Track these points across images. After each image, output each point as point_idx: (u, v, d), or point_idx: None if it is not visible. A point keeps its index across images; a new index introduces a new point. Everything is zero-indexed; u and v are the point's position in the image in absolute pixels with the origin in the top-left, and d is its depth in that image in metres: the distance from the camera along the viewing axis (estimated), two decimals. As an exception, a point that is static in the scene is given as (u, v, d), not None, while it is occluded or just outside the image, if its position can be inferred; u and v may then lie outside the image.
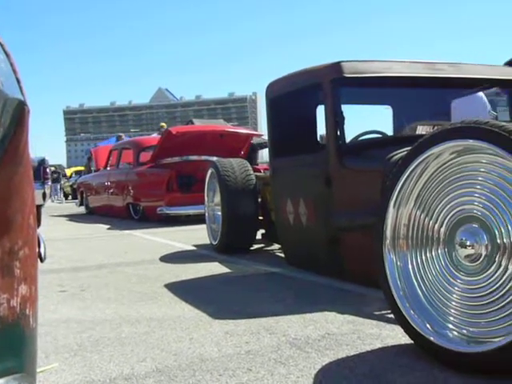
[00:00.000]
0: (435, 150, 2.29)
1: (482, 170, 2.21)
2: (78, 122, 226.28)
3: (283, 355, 2.44)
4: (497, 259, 2.13)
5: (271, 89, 4.71)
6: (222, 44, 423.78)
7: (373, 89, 4.42)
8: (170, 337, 2.79)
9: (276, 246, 5.83)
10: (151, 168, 10.32)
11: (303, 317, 3.05)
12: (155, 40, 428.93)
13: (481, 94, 4.43)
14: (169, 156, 10.18)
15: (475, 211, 2.23)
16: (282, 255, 5.06)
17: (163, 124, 13.20)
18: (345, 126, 3.84)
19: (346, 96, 3.99)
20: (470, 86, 4.22)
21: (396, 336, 2.61)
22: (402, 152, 3.10)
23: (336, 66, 3.84)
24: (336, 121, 3.81)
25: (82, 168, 26.84)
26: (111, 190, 11.61)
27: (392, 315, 2.52)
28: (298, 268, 4.49)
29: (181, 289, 3.98)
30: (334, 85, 3.82)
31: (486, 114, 3.73)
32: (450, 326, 2.28)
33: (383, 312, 3.01)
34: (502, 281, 2.11)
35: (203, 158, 10.07)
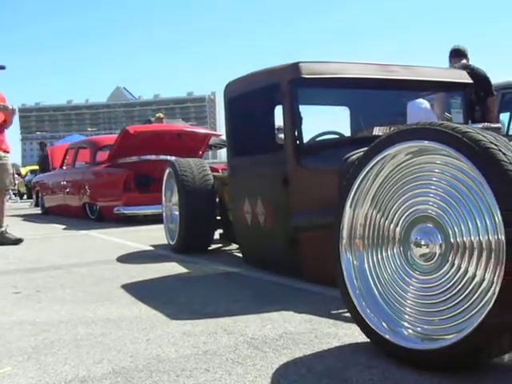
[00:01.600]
0: (391, 150, 2.32)
1: (437, 170, 2.25)
2: (34, 121, 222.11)
3: (241, 355, 2.44)
4: (450, 258, 2.17)
5: (230, 89, 4.71)
6: (180, 43, 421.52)
7: (330, 90, 4.45)
8: (127, 338, 2.76)
9: (234, 246, 5.83)
10: (108, 167, 10.21)
11: (261, 316, 3.05)
12: (113, 38, 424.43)
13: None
14: (126, 155, 10.10)
15: (430, 211, 2.26)
16: (240, 255, 5.07)
17: (160, 114, 12.55)
18: (302, 127, 3.87)
19: (303, 96, 4.02)
20: (423, 88, 4.29)
21: (353, 334, 2.64)
22: (358, 152, 3.14)
23: (294, 67, 3.86)
24: (294, 121, 3.83)
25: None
26: (67, 190, 11.43)
27: (349, 314, 2.55)
28: (255, 268, 4.50)
29: (138, 289, 3.94)
30: (292, 85, 3.84)
31: (431, 116, 3.80)
32: (405, 323, 2.31)
33: (340, 311, 3.04)
34: (454, 279, 2.15)
35: (161, 157, 10.02)
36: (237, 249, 5.59)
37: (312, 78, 3.84)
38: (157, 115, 12.45)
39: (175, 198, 5.73)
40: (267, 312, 3.13)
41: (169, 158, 9.38)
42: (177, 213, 5.62)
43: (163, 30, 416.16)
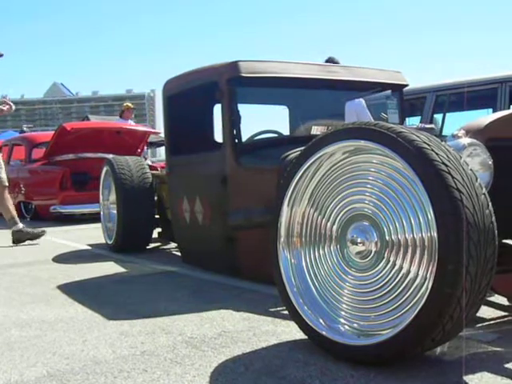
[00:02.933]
0: (328, 149, 2.36)
1: (373, 169, 2.30)
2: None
3: (179, 354, 2.43)
4: (385, 255, 2.23)
5: (169, 86, 4.67)
6: (120, 40, 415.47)
7: (269, 89, 4.48)
8: (63, 340, 2.70)
9: (173, 245, 5.80)
10: (44, 165, 9.97)
11: (199, 315, 3.05)
12: (49, 31, 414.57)
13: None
14: (63, 153, 9.88)
15: (366, 209, 2.31)
16: (179, 254, 5.04)
17: (128, 104, 12.09)
18: (241, 125, 3.88)
19: (242, 95, 4.03)
20: (361, 88, 4.37)
21: (291, 332, 2.66)
22: (296, 151, 3.16)
23: (233, 65, 3.87)
24: (232, 120, 3.84)
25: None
26: (1, 188, 11.08)
27: (287, 311, 2.57)
28: (194, 266, 4.49)
29: (75, 290, 3.87)
30: (231, 84, 3.84)
31: (368, 116, 3.89)
32: (342, 320, 2.35)
33: (278, 309, 3.06)
34: (390, 276, 2.21)
35: (99, 155, 9.84)
36: (175, 248, 5.56)
37: (251, 76, 3.85)
38: (125, 105, 12.06)
39: (113, 197, 5.65)
40: (206, 311, 3.12)
41: (106, 155, 9.23)
42: (115, 211, 5.54)
43: (102, 25, 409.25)
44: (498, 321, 2.85)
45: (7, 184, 6.64)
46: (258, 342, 2.57)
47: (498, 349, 2.40)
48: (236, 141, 3.84)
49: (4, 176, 6.57)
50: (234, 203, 3.80)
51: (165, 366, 2.30)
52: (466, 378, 2.08)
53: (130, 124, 11.16)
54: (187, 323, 2.91)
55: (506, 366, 2.21)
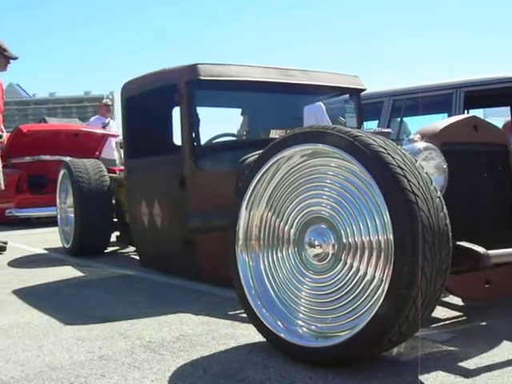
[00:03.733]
0: (286, 153, 2.37)
1: (330, 173, 2.32)
2: None
3: (137, 359, 2.41)
4: (343, 258, 2.25)
5: (127, 88, 4.64)
6: (78, 40, 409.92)
7: (229, 92, 4.48)
8: (18, 346, 2.65)
9: (131, 249, 5.75)
10: None
11: (158, 319, 3.03)
12: (6, 31, 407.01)
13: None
14: (19, 155, 9.68)
15: (323, 212, 2.33)
16: (137, 257, 5.00)
17: (108, 101, 11.73)
18: (200, 128, 3.87)
19: (201, 98, 4.02)
20: (319, 92, 4.40)
21: (249, 335, 2.67)
22: (255, 155, 3.17)
23: (192, 68, 3.86)
24: (191, 123, 3.83)
25: None
26: (-47, 192, 10.80)
27: (245, 314, 2.57)
28: (153, 270, 4.46)
29: (30, 295, 3.80)
30: (190, 87, 3.84)
31: (326, 119, 3.94)
32: (300, 322, 2.37)
33: (237, 312, 3.06)
34: (347, 278, 2.23)
35: (56, 157, 9.68)
36: (134, 251, 5.51)
37: (210, 79, 3.85)
38: (104, 101, 11.77)
39: (70, 200, 5.57)
40: (164, 315, 3.10)
41: (64, 158, 9.09)
42: (72, 215, 5.47)
43: (59, 24, 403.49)
44: (453, 321, 2.91)
45: None
46: (217, 345, 2.57)
47: (452, 348, 2.45)
48: (195, 144, 3.84)
49: None
50: (193, 206, 3.78)
51: (123, 370, 2.28)
52: (421, 377, 2.11)
53: (88, 126, 11.00)
54: (145, 327, 2.88)
55: (460, 364, 2.25)
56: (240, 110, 5.12)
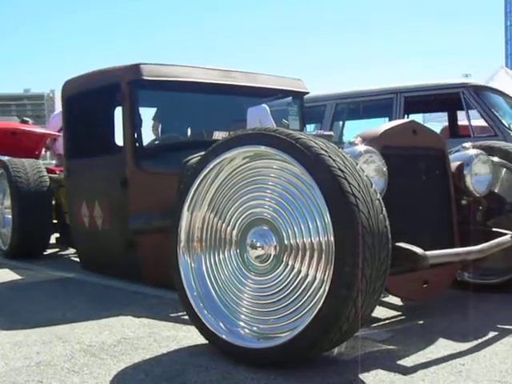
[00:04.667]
0: (228, 154, 2.38)
1: (273, 175, 2.33)
2: None
3: (77, 364, 2.36)
4: (284, 259, 2.27)
5: (68, 87, 4.56)
6: (17, 37, 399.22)
7: (172, 93, 4.45)
8: (-51, 353, 2.56)
9: (71, 251, 5.65)
10: None
11: (98, 322, 2.98)
12: None
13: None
14: (-47, 155, 9.37)
15: (265, 214, 2.34)
16: (78, 260, 4.91)
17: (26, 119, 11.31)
18: (142, 129, 3.85)
19: (144, 98, 3.99)
20: (263, 94, 4.43)
21: (192, 337, 2.66)
22: (198, 156, 3.17)
23: (134, 68, 3.82)
24: (133, 123, 3.79)
25: None
26: None
27: (187, 316, 2.56)
28: (93, 273, 4.38)
29: (-36, 299, 3.68)
30: (132, 86, 3.80)
31: (270, 122, 3.98)
32: (242, 323, 2.38)
33: (180, 314, 3.05)
34: (288, 279, 2.25)
35: (-7, 157, 9.40)
36: (74, 253, 5.41)
37: (152, 80, 3.82)
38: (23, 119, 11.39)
39: (8, 201, 5.43)
40: (105, 318, 3.06)
41: (1, 157, 8.84)
42: (9, 216, 5.33)
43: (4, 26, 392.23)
44: (392, 320, 2.98)
45: None
46: (159, 347, 2.55)
47: (391, 347, 2.51)
48: (137, 144, 3.80)
49: None
50: (135, 208, 3.74)
51: (61, 376, 2.23)
52: (361, 376, 2.16)
53: (28, 125, 10.73)
54: (86, 331, 2.84)
55: (399, 362, 2.31)
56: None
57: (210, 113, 4.69)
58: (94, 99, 4.41)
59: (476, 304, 3.21)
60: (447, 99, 6.73)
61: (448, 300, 3.26)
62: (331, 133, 3.95)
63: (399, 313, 3.11)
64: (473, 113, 6.48)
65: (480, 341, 2.58)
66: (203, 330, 2.44)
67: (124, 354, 2.46)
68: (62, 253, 5.80)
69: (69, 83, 4.56)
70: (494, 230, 3.17)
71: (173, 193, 3.13)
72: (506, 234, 3.05)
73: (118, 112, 4.17)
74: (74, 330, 2.85)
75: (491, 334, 2.67)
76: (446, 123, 7.87)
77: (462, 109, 6.60)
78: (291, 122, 4.15)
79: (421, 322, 2.95)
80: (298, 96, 4.70)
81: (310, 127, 6.99)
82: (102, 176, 4.07)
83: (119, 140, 4.30)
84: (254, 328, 2.34)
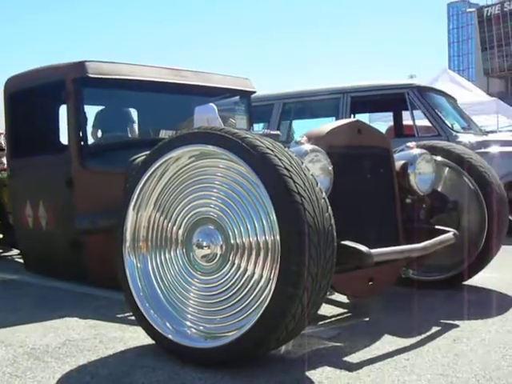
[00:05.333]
0: (174, 153, 2.36)
1: (219, 174, 2.33)
2: None
3: (20, 368, 2.31)
4: (230, 258, 2.27)
5: (11, 84, 4.44)
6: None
7: (118, 91, 4.40)
8: None
9: (15, 252, 5.52)
10: None
11: (43, 325, 2.92)
12: None
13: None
14: None
15: (211, 213, 2.34)
16: (22, 261, 4.80)
17: None
18: (87, 127, 3.79)
19: (89, 96, 3.93)
20: (211, 93, 4.42)
21: (138, 337, 2.63)
22: (144, 155, 3.14)
23: (79, 65, 3.77)
24: (78, 121, 3.74)
25: None
26: None
27: (134, 317, 2.53)
28: (38, 274, 4.29)
29: None
30: (77, 84, 3.74)
31: (217, 121, 3.97)
32: (188, 323, 2.37)
33: (126, 314, 3.01)
34: (235, 279, 2.26)
35: None
36: (18, 254, 5.28)
37: (98, 77, 3.77)
38: None
39: None
40: (50, 320, 3.00)
41: None
42: (-50, 217, 5.17)
43: None
44: (338, 317, 3.01)
45: None
46: (105, 349, 2.52)
47: (337, 344, 2.54)
48: (82, 143, 3.74)
49: None
50: (80, 207, 3.68)
51: (3, 381, 2.18)
52: (308, 373, 2.18)
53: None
54: (29, 334, 2.77)
55: (345, 359, 2.34)
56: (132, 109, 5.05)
57: (157, 111, 4.66)
58: (38, 97, 4.32)
59: (420, 300, 3.28)
60: (392, 99, 6.87)
61: (393, 297, 3.32)
62: (278, 132, 3.97)
63: (345, 310, 3.15)
64: (417, 113, 6.62)
65: (423, 336, 2.64)
66: (150, 330, 2.42)
67: (69, 357, 2.42)
68: (6, 254, 5.66)
69: (12, 80, 4.45)
70: (437, 227, 3.25)
71: (119, 192, 3.09)
72: (448, 232, 3.13)
73: (63, 110, 4.10)
74: (17, 333, 2.78)
75: (434, 329, 2.74)
76: (392, 123, 8.02)
77: (406, 109, 6.74)
78: (238, 122, 4.15)
79: (366, 318, 3.00)
80: (246, 95, 4.71)
81: (257, 126, 7.03)
82: (47, 175, 3.99)
83: (64, 138, 4.23)
84: (201, 327, 2.33)
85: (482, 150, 5.93)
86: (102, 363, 2.34)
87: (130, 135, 4.72)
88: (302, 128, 7.03)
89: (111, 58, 3.96)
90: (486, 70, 75.21)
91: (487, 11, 73.47)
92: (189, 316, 2.38)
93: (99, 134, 4.71)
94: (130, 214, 2.49)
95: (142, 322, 2.45)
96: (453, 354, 2.38)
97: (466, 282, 3.56)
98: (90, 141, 3.90)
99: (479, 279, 3.58)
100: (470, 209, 3.51)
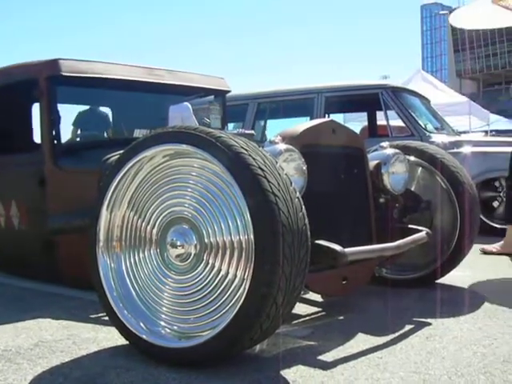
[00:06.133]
0: (148, 152, 2.35)
1: (194, 173, 2.32)
2: None
3: (-11, 370, 2.28)
4: (205, 258, 2.26)
5: (-18, 81, 4.37)
6: None
7: (92, 89, 4.37)
8: None
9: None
10: None
11: (15, 326, 2.88)
12: None
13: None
14: None
15: (186, 213, 2.33)
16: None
17: None
18: (61, 126, 3.75)
19: (63, 95, 3.90)
20: (185, 92, 4.41)
21: (112, 338, 2.61)
22: (117, 154, 3.12)
23: (53, 63, 3.73)
24: (51, 120, 3.70)
25: None
26: None
27: (107, 317, 2.52)
28: (10, 274, 4.24)
29: None
30: (50, 82, 3.70)
31: (192, 120, 3.97)
32: (162, 323, 2.36)
33: (100, 315, 2.99)
34: (209, 278, 2.25)
35: None
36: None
37: (72, 76, 3.74)
38: None
39: None
40: (22, 321, 2.96)
41: None
42: None
43: None
44: (313, 316, 3.03)
45: None
46: (78, 350, 2.49)
47: (312, 343, 2.55)
48: (55, 142, 3.70)
49: None
50: (53, 207, 3.64)
51: (-27, 384, 2.15)
52: (282, 372, 2.18)
53: None
54: (1, 335, 2.74)
55: (319, 358, 2.35)
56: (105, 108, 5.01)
57: (132, 110, 4.63)
58: (10, 95, 4.26)
59: (393, 299, 3.31)
60: (367, 100, 6.92)
61: (367, 295, 3.35)
62: (252, 131, 3.97)
63: (319, 309, 3.16)
64: (391, 113, 6.68)
65: (397, 334, 2.66)
66: (123, 330, 2.40)
67: (41, 358, 2.40)
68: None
69: (-17, 77, 4.38)
70: (410, 226, 3.28)
71: (92, 191, 3.06)
72: (421, 231, 3.16)
73: (36, 108, 4.05)
74: (-12, 335, 2.75)
75: (407, 328, 2.76)
76: (366, 123, 8.08)
77: (380, 109, 6.79)
78: (213, 121, 4.14)
79: (340, 317, 3.02)
80: (220, 94, 4.71)
81: (232, 126, 7.03)
82: (19, 174, 3.94)
83: (37, 137, 4.18)
84: (175, 327, 2.32)
85: (455, 150, 6.00)
86: (75, 364, 2.32)
87: (104, 134, 4.68)
88: (276, 128, 7.05)
89: (89, 58, 3.91)
90: (459, 72, 76.24)
91: (460, 14, 74.36)
92: (163, 316, 2.37)
93: (78, 132, 4.68)
94: (104, 213, 2.48)
95: (115, 322, 2.43)
96: (425, 352, 2.40)
97: (438, 281, 3.60)
98: (64, 140, 3.85)
99: (451, 278, 3.62)
100: (442, 208, 3.55)
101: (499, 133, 16.31)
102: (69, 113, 4.69)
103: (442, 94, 14.35)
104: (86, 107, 5.09)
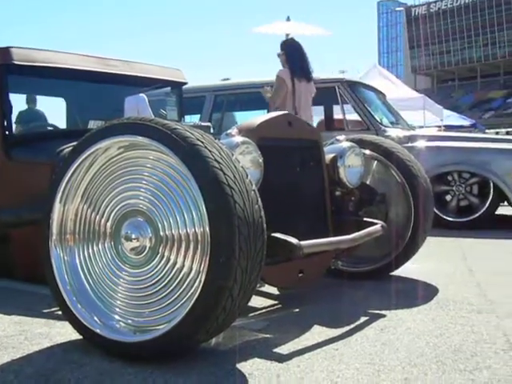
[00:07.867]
0: (102, 144, 2.31)
1: (149, 165, 2.30)
2: None
3: None
4: (160, 251, 2.24)
5: None
6: None
7: (45, 79, 4.28)
8: None
9: None
10: None
11: (-36, 322, 2.81)
12: None
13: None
14: None
15: (141, 205, 2.30)
16: None
17: None
18: (12, 116, 3.67)
19: (15, 84, 3.81)
20: (141, 84, 4.36)
21: (66, 333, 2.57)
22: (71, 145, 3.06)
23: (4, 52, 3.65)
24: (2, 110, 3.61)
25: None
26: None
27: (61, 312, 2.47)
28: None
29: None
30: (2, 71, 3.62)
31: (148, 111, 3.93)
32: (117, 317, 2.33)
33: (53, 309, 2.93)
34: (164, 271, 2.23)
35: None
36: None
37: (24, 65, 3.66)
38: None
39: None
40: (-28, 316, 2.89)
41: None
42: None
43: None
44: (269, 309, 3.04)
45: None
46: (30, 345, 2.44)
47: (268, 335, 2.56)
48: (6, 132, 3.62)
49: None
50: (4, 199, 3.56)
51: None
52: (239, 365, 2.18)
53: None
54: None
55: (275, 350, 2.36)
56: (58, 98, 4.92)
57: (87, 101, 4.56)
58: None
59: (349, 291, 3.35)
60: (323, 93, 6.94)
61: (323, 288, 3.37)
62: (209, 124, 3.95)
63: (275, 302, 3.17)
64: (347, 107, 6.73)
65: (352, 326, 2.69)
66: (77, 324, 2.36)
67: (-8, 355, 2.34)
68: None
69: None
70: (365, 219, 3.31)
71: (45, 183, 3.00)
72: (376, 224, 3.20)
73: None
74: None
75: (362, 319, 2.79)
76: (323, 116, 8.12)
77: (337, 103, 6.84)
78: (169, 113, 4.11)
79: (296, 310, 3.03)
80: (177, 86, 4.67)
81: (190, 118, 6.98)
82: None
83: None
84: (129, 321, 2.29)
85: (410, 145, 6.09)
86: (27, 361, 2.27)
87: (57, 125, 4.59)
88: (233, 120, 7.04)
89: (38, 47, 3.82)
90: (414, 68, 77.48)
91: (415, 11, 75.71)
92: (117, 309, 2.34)
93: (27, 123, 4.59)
94: (57, 206, 2.42)
95: (68, 316, 2.39)
96: (380, 343, 2.43)
97: (393, 273, 3.65)
98: (16, 130, 3.77)
99: (406, 270, 3.68)
100: (397, 201, 3.59)
101: (452, 128, 16.64)
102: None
103: (397, 89, 14.56)
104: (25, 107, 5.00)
